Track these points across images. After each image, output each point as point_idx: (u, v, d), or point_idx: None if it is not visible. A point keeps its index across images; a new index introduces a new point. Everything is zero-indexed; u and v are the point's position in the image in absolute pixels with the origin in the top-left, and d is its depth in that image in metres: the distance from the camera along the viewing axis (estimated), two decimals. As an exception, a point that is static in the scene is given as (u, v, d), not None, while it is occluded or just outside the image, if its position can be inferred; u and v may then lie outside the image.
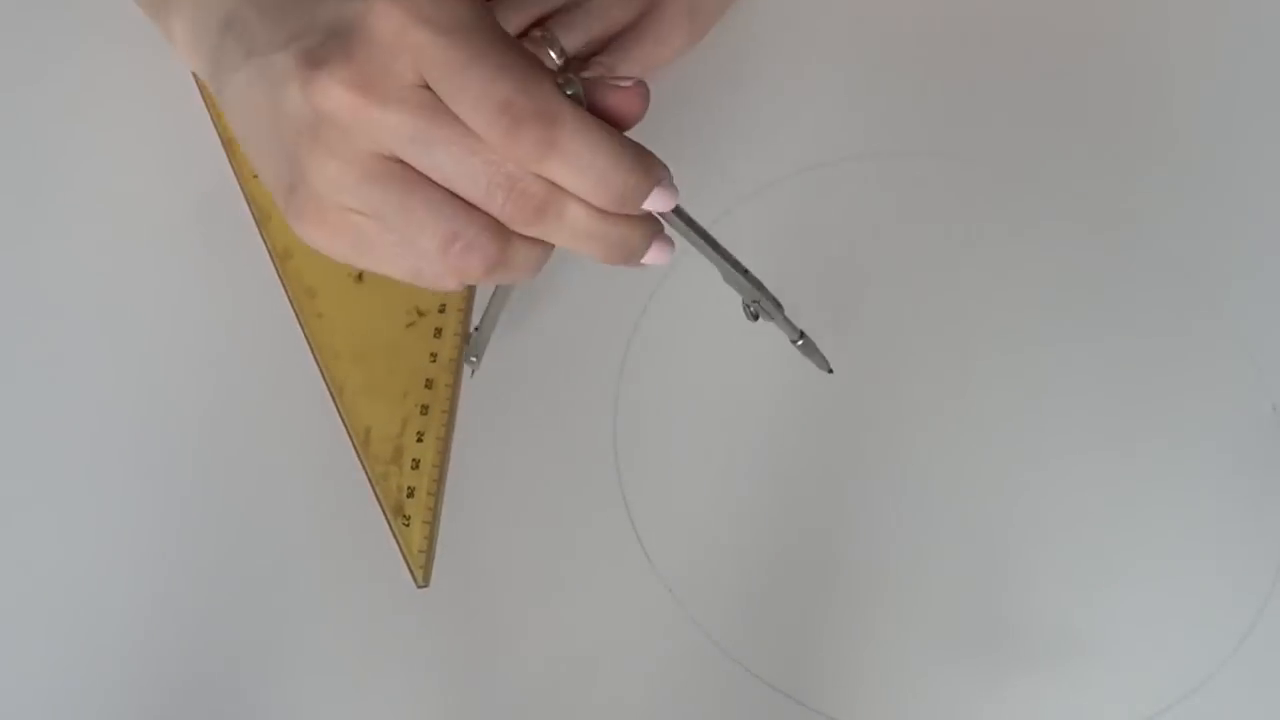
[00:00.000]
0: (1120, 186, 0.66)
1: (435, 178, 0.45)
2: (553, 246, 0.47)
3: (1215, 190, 0.67)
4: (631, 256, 0.48)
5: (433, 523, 0.58)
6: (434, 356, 0.61)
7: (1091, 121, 0.68)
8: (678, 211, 0.48)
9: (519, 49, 0.45)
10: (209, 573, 0.58)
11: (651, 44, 0.65)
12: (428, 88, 0.44)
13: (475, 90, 0.44)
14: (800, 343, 0.56)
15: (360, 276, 0.62)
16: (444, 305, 0.62)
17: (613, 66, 0.64)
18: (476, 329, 0.58)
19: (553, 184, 0.45)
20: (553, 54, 0.63)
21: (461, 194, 0.45)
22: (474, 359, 0.60)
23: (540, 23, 0.64)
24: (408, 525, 0.58)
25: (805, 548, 0.60)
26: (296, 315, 0.62)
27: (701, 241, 0.51)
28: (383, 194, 0.46)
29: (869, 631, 0.58)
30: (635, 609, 0.58)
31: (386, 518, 0.59)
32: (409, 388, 0.61)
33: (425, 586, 0.58)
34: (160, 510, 0.59)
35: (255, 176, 0.64)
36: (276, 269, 0.63)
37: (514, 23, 0.64)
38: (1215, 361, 0.63)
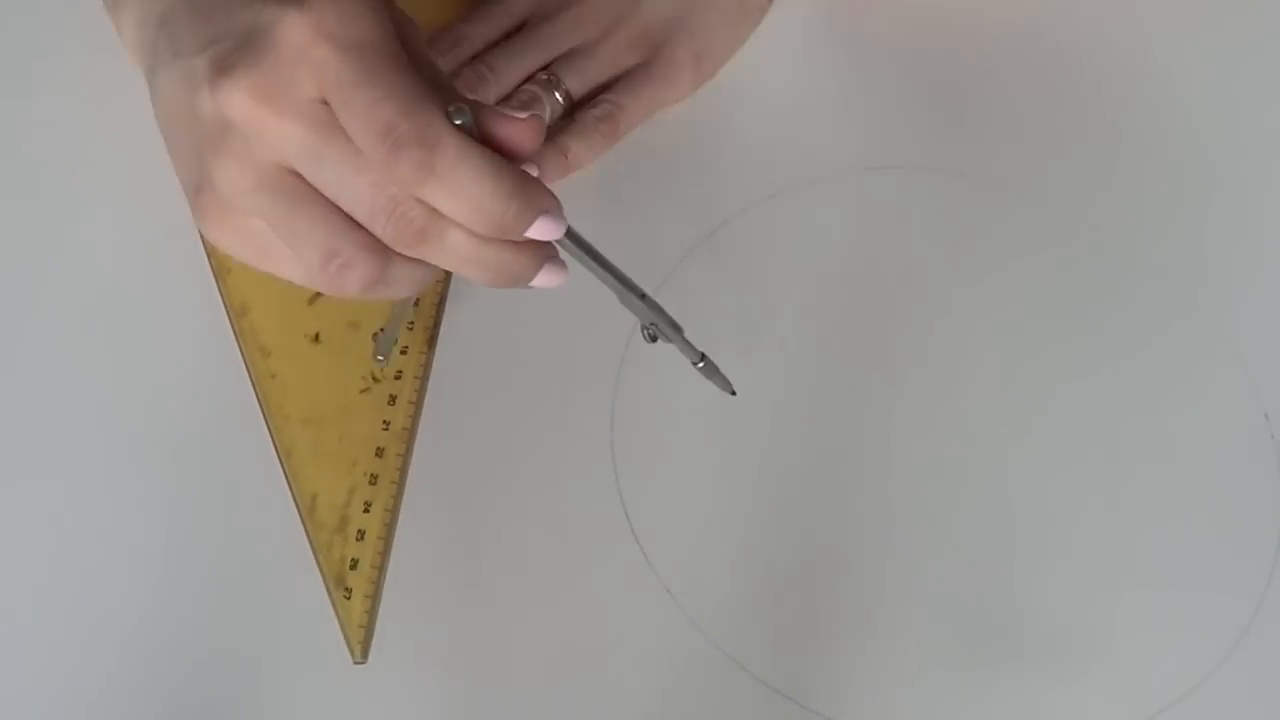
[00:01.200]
0: (1114, 198, 0.67)
1: (325, 193, 0.46)
2: (432, 268, 0.48)
3: (1209, 200, 0.68)
4: (517, 281, 0.48)
5: (374, 596, 0.57)
6: (386, 424, 0.60)
7: (1085, 134, 0.69)
8: (570, 236, 0.48)
9: (413, 75, 0.45)
10: (141, 632, 0.57)
11: (659, 85, 0.67)
12: (326, 104, 0.45)
13: (361, 110, 0.44)
14: (701, 365, 0.57)
15: (317, 337, 0.62)
16: (400, 372, 0.61)
17: (621, 105, 0.65)
18: (383, 330, 0.60)
19: (434, 209, 0.46)
20: (558, 96, 0.65)
21: (347, 211, 0.46)
22: (380, 358, 0.60)
23: (547, 66, 0.66)
24: (349, 598, 0.57)
25: (804, 549, 0.60)
26: (249, 373, 0.61)
27: (596, 266, 0.51)
28: (272, 202, 0.47)
29: (868, 633, 0.59)
30: (634, 610, 0.58)
31: (328, 589, 0.58)
32: (359, 455, 0.60)
33: (363, 662, 0.57)
34: (96, 563, 0.58)
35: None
36: (232, 324, 0.62)
37: (522, 66, 0.65)
38: (1209, 370, 0.64)
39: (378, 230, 0.46)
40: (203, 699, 0.56)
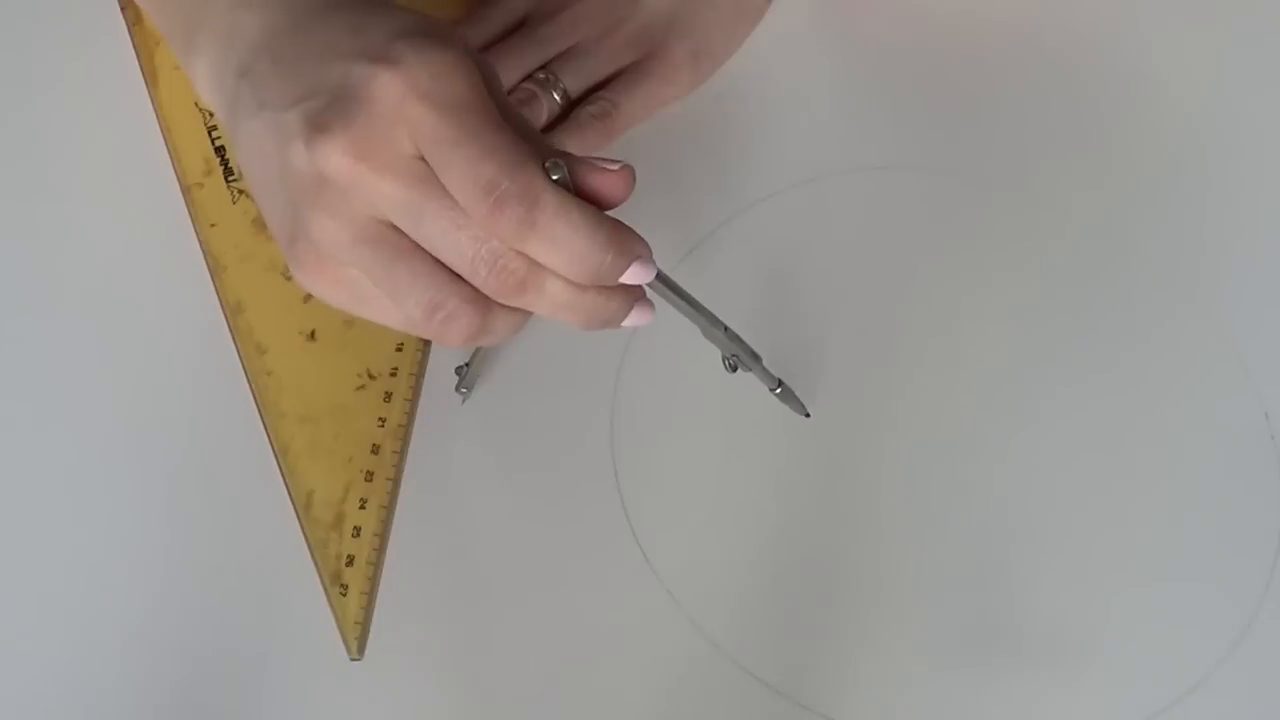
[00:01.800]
0: (1114, 198, 0.67)
1: (425, 246, 0.47)
2: (530, 314, 0.49)
3: (1209, 199, 0.68)
4: (609, 324, 0.50)
5: (370, 593, 0.57)
6: (382, 421, 0.60)
7: (1084, 134, 0.69)
8: (660, 278, 0.50)
9: (508, 131, 0.46)
10: (138, 630, 0.57)
11: (658, 83, 0.67)
12: (424, 160, 0.46)
13: (462, 168, 0.45)
14: (779, 391, 0.59)
15: (312, 335, 0.61)
16: (395, 369, 0.61)
17: (618, 103, 0.65)
18: (466, 365, 0.60)
19: (534, 261, 0.46)
20: (556, 95, 0.65)
21: (448, 264, 0.47)
22: (464, 390, 0.61)
23: (546, 64, 0.66)
24: (345, 595, 0.57)
25: (804, 549, 0.60)
26: (245, 370, 0.61)
27: (682, 303, 0.53)
28: (373, 257, 0.47)
29: (867, 633, 0.58)
30: (634, 611, 0.58)
31: (324, 585, 0.57)
32: (354, 452, 0.59)
33: (359, 659, 0.56)
34: (92, 561, 0.58)
35: (213, 226, 0.63)
36: (228, 322, 0.62)
37: (521, 65, 0.65)
38: (1210, 369, 0.64)
39: (479, 282, 0.47)
40: (199, 695, 0.56)
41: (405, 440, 0.60)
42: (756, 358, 0.57)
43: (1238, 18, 0.72)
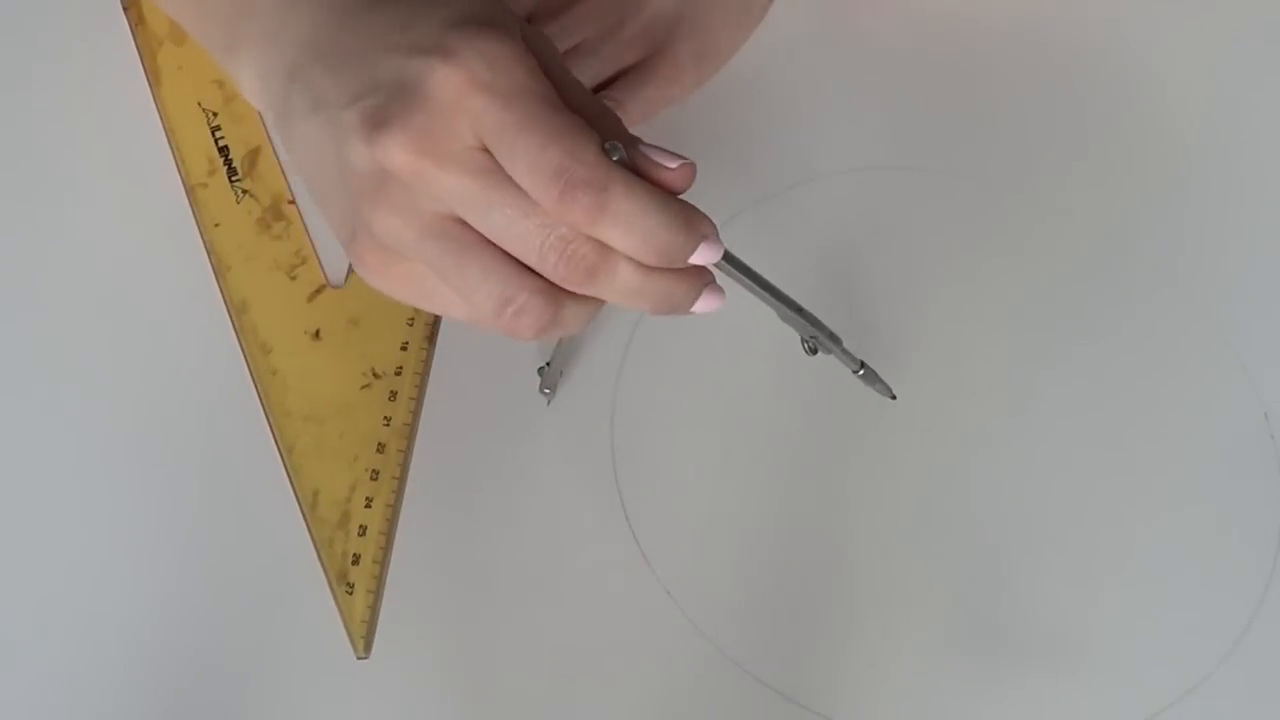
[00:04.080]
0: (1114, 199, 0.68)
1: (492, 238, 0.47)
2: (602, 303, 0.48)
3: (1208, 200, 0.68)
4: (679, 307, 0.49)
5: (376, 592, 0.57)
6: (388, 420, 0.60)
7: (1084, 135, 0.69)
8: (728, 259, 0.49)
9: (570, 114, 0.46)
10: (144, 629, 0.57)
11: (661, 83, 0.66)
12: (486, 150, 0.46)
13: (528, 156, 0.45)
14: (861, 373, 0.59)
15: (317, 334, 0.62)
16: (400, 368, 0.61)
17: (622, 101, 0.65)
18: (548, 364, 0.61)
19: (603, 245, 0.46)
20: None
21: (516, 255, 0.47)
22: (548, 390, 0.61)
23: None
24: (351, 593, 0.57)
25: (803, 549, 0.60)
26: (250, 370, 0.61)
27: (754, 285, 0.52)
28: (440, 252, 0.47)
29: (867, 633, 0.59)
30: (633, 611, 0.58)
31: (330, 584, 0.57)
32: (360, 451, 0.60)
33: (365, 657, 0.57)
34: (98, 561, 0.58)
35: (217, 226, 0.63)
36: (233, 321, 0.62)
37: None
38: (1209, 370, 0.64)
39: (549, 270, 0.47)
40: (205, 694, 0.56)
41: (410, 439, 0.60)
42: (837, 340, 0.57)
43: (1238, 18, 0.72)
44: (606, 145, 0.46)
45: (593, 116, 0.47)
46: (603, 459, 0.61)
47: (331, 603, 0.57)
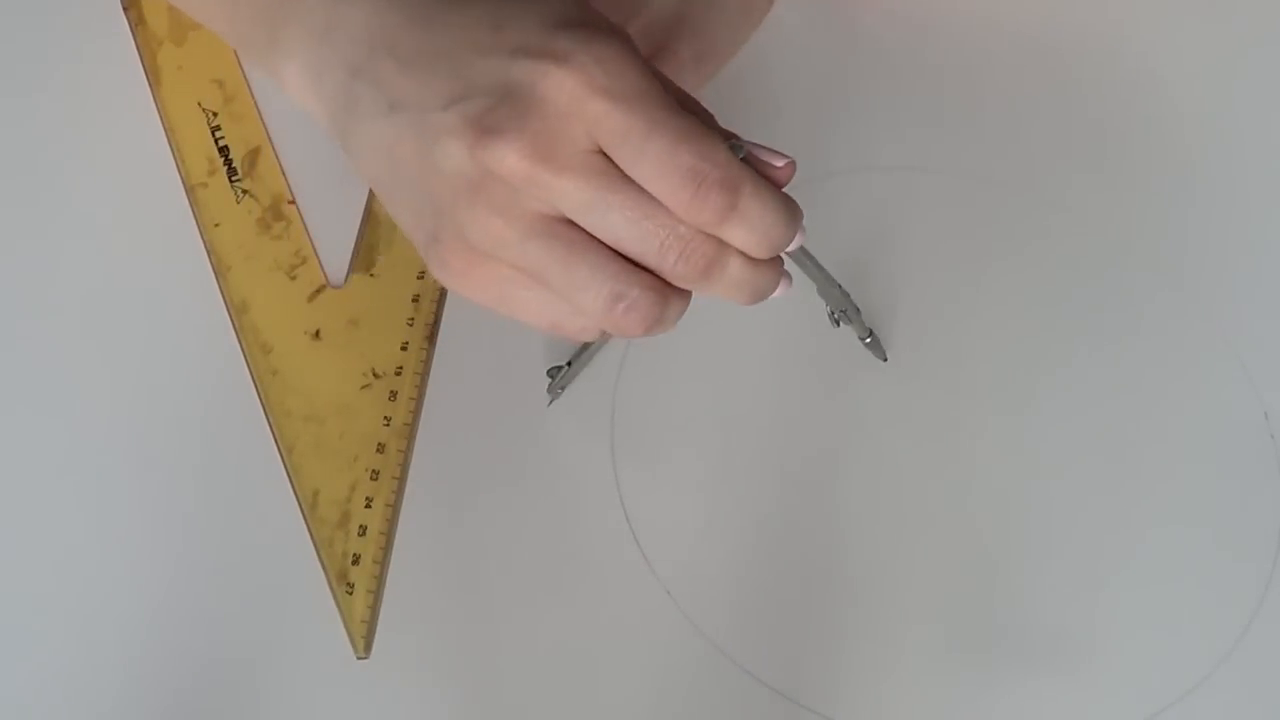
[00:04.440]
0: (1114, 199, 0.67)
1: (604, 238, 0.47)
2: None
3: (1209, 200, 0.68)
4: (765, 295, 0.50)
5: (376, 592, 0.57)
6: (387, 420, 0.60)
7: (1084, 134, 0.69)
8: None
9: (691, 117, 0.46)
10: (144, 629, 0.57)
11: None
12: (600, 152, 0.46)
13: (659, 158, 0.45)
14: (869, 340, 0.62)
15: (317, 334, 0.62)
16: (400, 368, 0.61)
17: None
18: (569, 364, 0.61)
19: (720, 242, 0.47)
20: None
21: (629, 254, 0.47)
22: (559, 390, 0.61)
23: None
24: (351, 593, 0.57)
25: (803, 549, 0.60)
26: (250, 370, 0.61)
27: (810, 265, 0.55)
28: (547, 252, 0.47)
29: (867, 633, 0.58)
30: (633, 611, 0.58)
31: (330, 584, 0.57)
32: (360, 451, 0.60)
33: (365, 657, 0.57)
34: (98, 561, 0.58)
35: (217, 226, 0.63)
36: (233, 322, 0.62)
37: None
38: (1209, 370, 0.64)
39: (667, 268, 0.47)
40: (205, 695, 0.56)
41: (410, 439, 0.60)
42: (859, 311, 0.60)
43: (1239, 17, 0.72)
44: (730, 144, 0.46)
45: (698, 115, 0.47)
46: (603, 459, 0.61)
47: (331, 603, 0.57)
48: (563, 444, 0.61)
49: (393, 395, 0.61)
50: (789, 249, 0.49)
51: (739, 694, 0.57)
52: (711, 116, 0.49)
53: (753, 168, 0.47)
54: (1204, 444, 0.63)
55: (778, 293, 0.50)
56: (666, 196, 0.45)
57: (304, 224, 0.63)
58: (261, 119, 0.65)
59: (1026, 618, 0.59)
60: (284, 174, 0.64)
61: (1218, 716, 0.58)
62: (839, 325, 0.60)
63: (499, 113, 0.46)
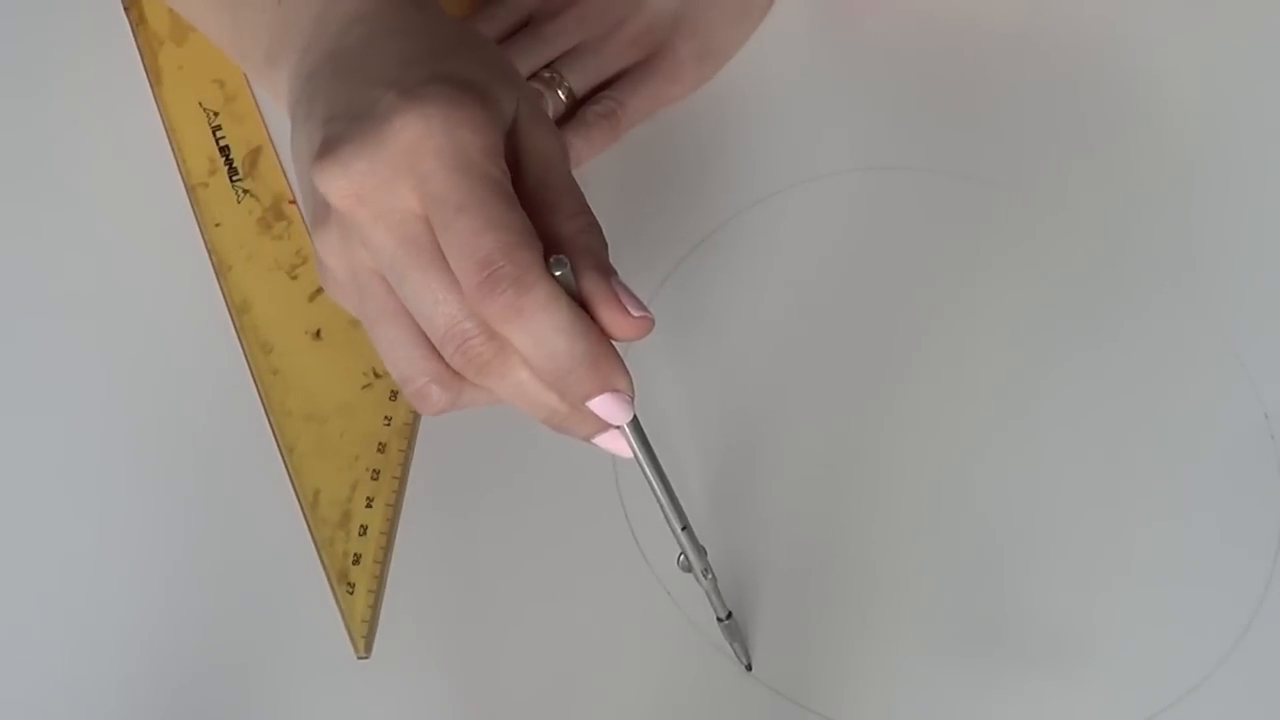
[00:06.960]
0: (1113, 198, 0.67)
1: (407, 306, 0.46)
2: None
3: (1209, 200, 0.68)
4: (570, 433, 0.49)
5: (377, 591, 0.57)
6: (388, 420, 0.60)
7: (1084, 134, 0.69)
8: (634, 427, 0.49)
9: (518, 211, 0.45)
10: (144, 629, 0.57)
11: (662, 82, 0.67)
12: (424, 221, 0.45)
13: (461, 236, 0.44)
14: (727, 621, 0.56)
15: (318, 334, 0.62)
16: (401, 369, 0.61)
17: (623, 102, 0.65)
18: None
19: (503, 345, 0.46)
20: (560, 94, 0.65)
21: (423, 328, 0.46)
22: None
23: (550, 63, 0.66)
24: (351, 593, 0.57)
25: (803, 549, 0.60)
26: (250, 370, 0.61)
27: (651, 471, 0.50)
28: (361, 303, 0.48)
29: (867, 633, 0.58)
30: (633, 611, 0.58)
31: (330, 584, 0.58)
32: (360, 451, 0.60)
33: (366, 657, 0.57)
34: (98, 560, 0.58)
35: (218, 225, 0.63)
36: (234, 321, 0.62)
37: (525, 64, 0.65)
38: (1209, 370, 0.64)
39: (446, 355, 0.46)
40: (206, 695, 0.56)
41: (411, 439, 0.60)
42: (703, 553, 0.53)
43: (1238, 17, 0.72)
44: (552, 259, 0.45)
45: (577, 224, 0.47)
46: (603, 459, 0.60)
47: (332, 602, 0.57)
48: (563, 444, 0.61)
49: (393, 395, 0.61)
50: (603, 414, 0.47)
51: (739, 694, 0.57)
52: (600, 239, 0.47)
53: (578, 294, 0.46)
54: (1204, 444, 0.63)
55: (607, 444, 0.49)
56: (462, 277, 0.44)
57: (305, 224, 0.63)
58: (262, 119, 0.65)
59: (1027, 618, 0.59)
60: (285, 174, 0.65)
61: (1218, 716, 0.58)
62: (688, 572, 0.54)
63: (344, 137, 0.45)
